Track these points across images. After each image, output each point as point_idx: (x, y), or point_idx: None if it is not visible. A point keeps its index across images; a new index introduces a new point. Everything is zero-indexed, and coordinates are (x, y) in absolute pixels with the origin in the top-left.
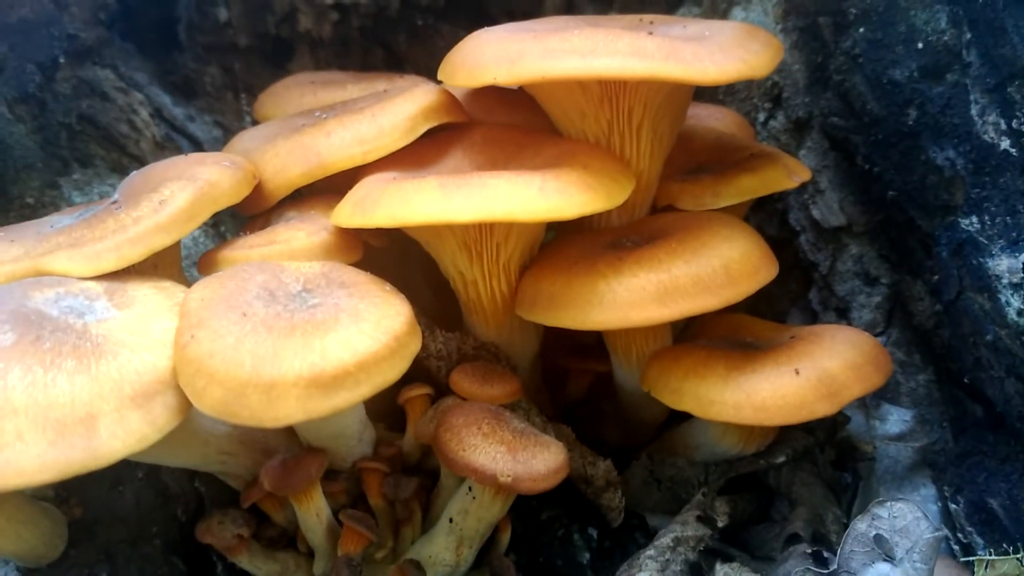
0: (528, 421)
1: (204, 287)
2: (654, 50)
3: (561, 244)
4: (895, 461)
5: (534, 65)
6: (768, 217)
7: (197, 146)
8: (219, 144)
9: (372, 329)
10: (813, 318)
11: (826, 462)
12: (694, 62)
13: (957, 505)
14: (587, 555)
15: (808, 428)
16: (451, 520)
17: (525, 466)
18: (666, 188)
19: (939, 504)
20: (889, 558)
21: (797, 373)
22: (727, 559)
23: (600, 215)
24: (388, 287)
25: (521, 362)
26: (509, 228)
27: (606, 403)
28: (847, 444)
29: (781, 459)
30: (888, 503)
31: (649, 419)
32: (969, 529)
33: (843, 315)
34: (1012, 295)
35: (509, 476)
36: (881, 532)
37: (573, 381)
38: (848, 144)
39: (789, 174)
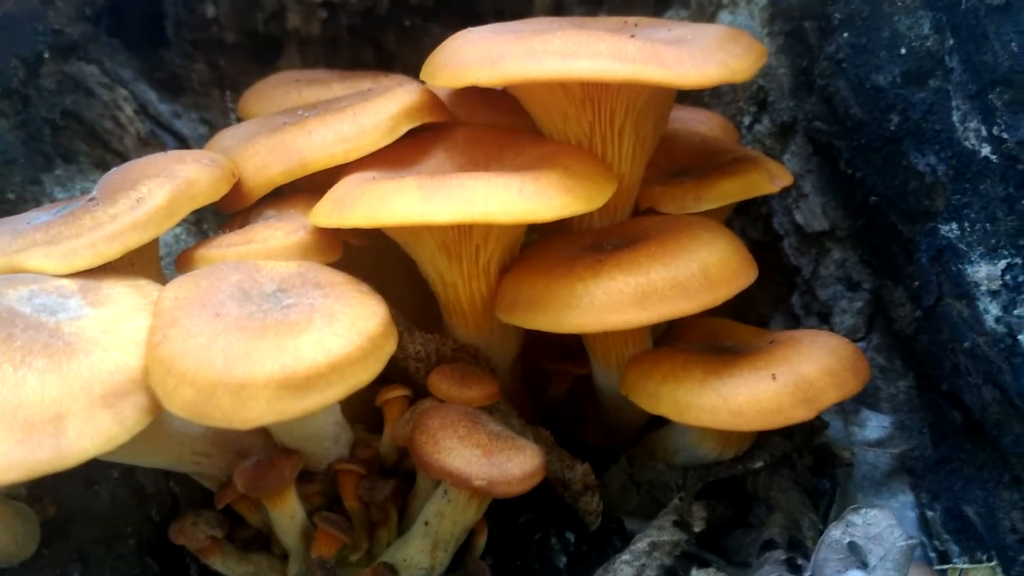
0: (506, 424)
1: (178, 286)
2: (635, 53)
3: (542, 246)
4: (873, 467)
5: (515, 66)
6: (753, 221)
7: (183, 143)
8: (205, 141)
9: (346, 330)
10: (796, 322)
11: (804, 468)
12: (674, 66)
13: (934, 512)
14: (564, 559)
15: (786, 433)
16: (426, 523)
17: (500, 469)
18: (648, 191)
19: (917, 511)
20: (862, 565)
21: (774, 378)
22: (704, 564)
23: (581, 217)
24: (365, 288)
25: (501, 364)
26: (488, 229)
27: (587, 405)
28: (825, 450)
29: (759, 464)
30: (863, 510)
31: (629, 422)
32: (945, 536)
33: (825, 320)
34: (990, 302)
35: (484, 479)
36: (855, 539)
37: (554, 383)
38: (831, 149)
39: (771, 179)
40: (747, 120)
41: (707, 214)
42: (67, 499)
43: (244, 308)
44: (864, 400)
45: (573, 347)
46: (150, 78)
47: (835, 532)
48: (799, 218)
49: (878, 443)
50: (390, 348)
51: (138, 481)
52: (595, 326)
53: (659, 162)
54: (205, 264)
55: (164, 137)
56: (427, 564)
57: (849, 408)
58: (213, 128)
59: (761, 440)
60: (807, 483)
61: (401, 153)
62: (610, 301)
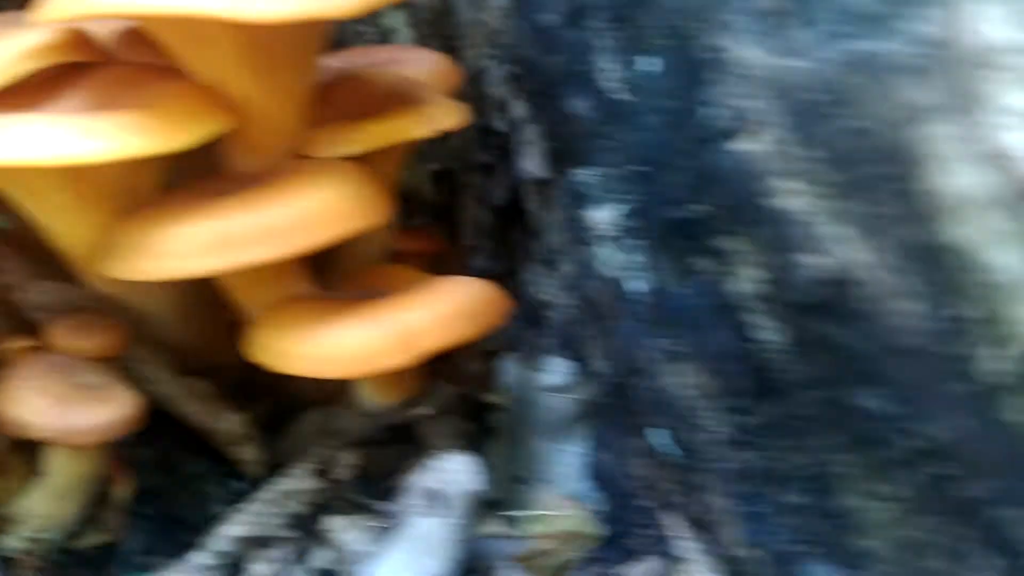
0: (143, 375)
1: None
2: None
3: (170, 191)
4: (553, 412)
5: (93, 2)
6: (509, 168)
7: None
8: None
9: None
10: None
11: (462, 415)
12: (244, 2)
13: (593, 459)
14: (224, 508)
15: (454, 379)
16: (45, 474)
17: (70, 420)
18: (309, 135)
19: (588, 457)
20: (437, 510)
21: (376, 324)
22: (351, 511)
23: (231, 160)
24: None
25: (166, 315)
26: (80, 172)
27: None
28: (488, 396)
29: (423, 411)
30: (445, 457)
31: None
32: (592, 483)
33: (551, 267)
34: (604, 247)
35: (52, 430)
36: (433, 485)
37: None
38: (529, 94)
39: (428, 122)
40: (487, 65)
41: (378, 159)
42: None
43: None
44: (566, 347)
45: None
46: None
47: (416, 478)
48: (526, 165)
49: (558, 389)
50: None
51: None
52: (167, 272)
53: (343, 105)
54: None
55: None
56: (51, 514)
57: (531, 353)
58: None
59: (430, 387)
60: (466, 430)
61: (32, 93)
62: (185, 247)
